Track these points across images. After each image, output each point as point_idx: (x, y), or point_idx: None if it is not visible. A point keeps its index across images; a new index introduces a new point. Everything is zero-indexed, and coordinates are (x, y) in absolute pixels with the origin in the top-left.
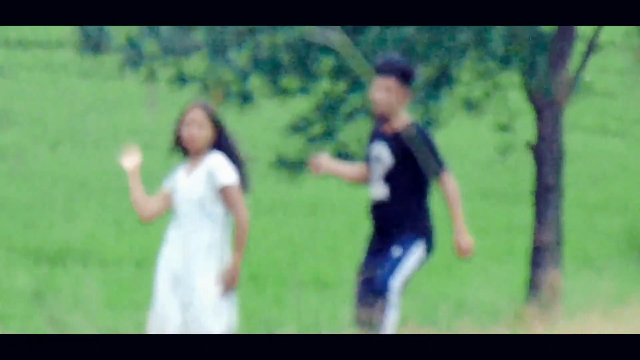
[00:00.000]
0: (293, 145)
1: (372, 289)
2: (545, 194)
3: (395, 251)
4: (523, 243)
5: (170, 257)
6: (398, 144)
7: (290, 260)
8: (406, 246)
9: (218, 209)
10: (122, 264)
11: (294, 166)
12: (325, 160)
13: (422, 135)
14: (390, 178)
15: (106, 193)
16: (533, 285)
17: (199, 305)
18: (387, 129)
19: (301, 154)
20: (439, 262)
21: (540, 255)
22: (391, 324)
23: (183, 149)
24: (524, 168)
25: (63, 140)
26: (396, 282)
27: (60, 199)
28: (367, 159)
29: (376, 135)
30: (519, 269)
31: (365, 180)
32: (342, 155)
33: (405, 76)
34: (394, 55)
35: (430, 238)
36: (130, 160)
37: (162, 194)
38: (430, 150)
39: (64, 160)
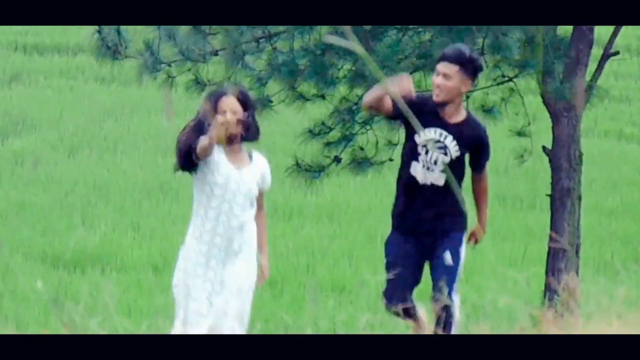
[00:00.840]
0: (311, 151)
1: (437, 297)
2: (562, 198)
3: (448, 258)
4: (540, 248)
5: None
6: (463, 138)
7: (308, 265)
8: (457, 249)
9: (255, 203)
10: (139, 269)
11: (311, 171)
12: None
13: (483, 130)
14: (449, 167)
15: (124, 198)
16: (550, 290)
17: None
18: (449, 117)
19: (318, 159)
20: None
21: (557, 260)
22: (457, 323)
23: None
24: (541, 173)
25: (81, 145)
26: (456, 291)
27: (78, 204)
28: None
29: (435, 119)
30: (536, 274)
31: (374, 104)
32: (359, 160)
33: (466, 66)
34: (463, 46)
35: (466, 226)
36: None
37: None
38: (487, 147)
39: (82, 166)
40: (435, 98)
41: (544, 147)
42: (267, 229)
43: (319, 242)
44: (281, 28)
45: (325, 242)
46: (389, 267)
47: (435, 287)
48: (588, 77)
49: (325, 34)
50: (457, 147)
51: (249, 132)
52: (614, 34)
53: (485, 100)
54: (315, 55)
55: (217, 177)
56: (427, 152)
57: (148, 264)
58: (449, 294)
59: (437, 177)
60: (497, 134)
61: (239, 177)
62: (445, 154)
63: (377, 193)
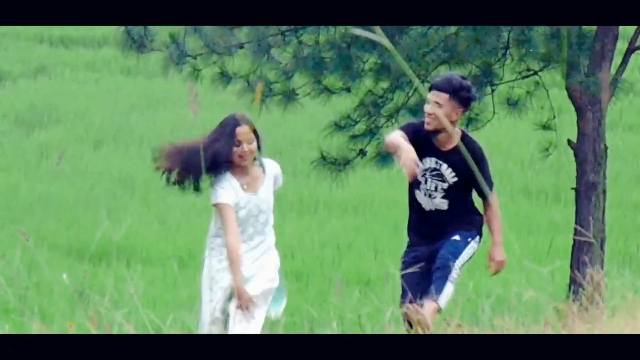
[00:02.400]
0: (336, 144)
1: (439, 263)
2: (587, 192)
3: (456, 237)
4: (565, 241)
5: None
6: (459, 163)
7: (333, 258)
8: (465, 235)
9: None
10: (165, 262)
11: (337, 164)
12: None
13: (478, 151)
14: (449, 192)
15: (149, 191)
16: (575, 284)
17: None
18: (442, 145)
19: (344, 152)
20: (482, 260)
21: (582, 253)
22: (448, 295)
23: (224, 165)
24: (566, 166)
25: (106, 138)
26: (458, 262)
27: (104, 197)
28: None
29: (429, 149)
30: (561, 268)
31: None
32: (384, 154)
33: (457, 93)
34: (454, 75)
35: (482, 235)
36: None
37: (231, 213)
38: (484, 167)
39: (107, 159)
40: (426, 127)
41: (569, 141)
42: (291, 223)
43: (344, 235)
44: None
45: (351, 235)
46: (402, 277)
47: (437, 262)
48: (613, 71)
49: (351, 27)
50: (453, 174)
51: (259, 154)
52: (639, 28)
53: (510, 94)
54: (341, 49)
55: (240, 211)
56: (426, 181)
57: (173, 257)
58: (450, 255)
59: (439, 203)
60: (522, 127)
61: (257, 200)
62: (443, 181)
63: (402, 186)
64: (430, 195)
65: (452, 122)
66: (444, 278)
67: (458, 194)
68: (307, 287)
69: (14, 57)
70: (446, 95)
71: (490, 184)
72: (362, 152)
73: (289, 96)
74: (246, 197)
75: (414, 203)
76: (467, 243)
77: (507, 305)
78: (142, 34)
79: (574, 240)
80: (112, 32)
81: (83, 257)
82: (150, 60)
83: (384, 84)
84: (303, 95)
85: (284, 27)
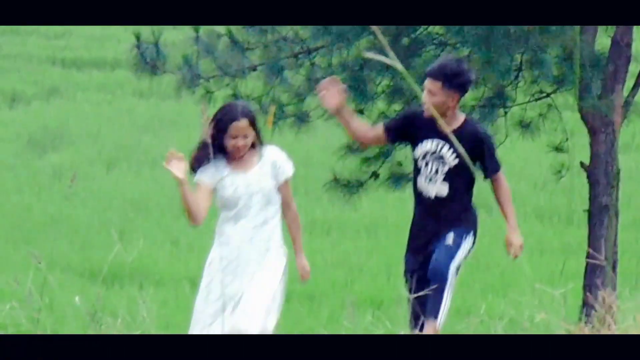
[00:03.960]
0: (349, 166)
1: (432, 273)
2: (600, 214)
3: (449, 239)
4: (577, 263)
5: (231, 253)
6: (460, 142)
7: (346, 280)
8: (460, 235)
9: (278, 200)
10: (177, 283)
11: (349, 186)
12: (340, 91)
13: (481, 133)
14: (450, 176)
15: (162, 213)
16: (587, 306)
17: (253, 298)
18: (442, 127)
19: (357, 174)
20: (495, 282)
21: (595, 275)
22: (445, 309)
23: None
24: (579, 189)
25: (119, 160)
26: (453, 266)
27: (116, 218)
28: (390, 128)
29: (430, 131)
30: (573, 289)
31: (368, 140)
32: (397, 176)
33: (450, 80)
34: (449, 59)
35: (477, 232)
36: (178, 166)
37: (206, 191)
38: (489, 147)
39: (120, 180)
40: (425, 113)
41: (581, 163)
42: (304, 239)
43: (357, 257)
44: (320, 43)
45: (363, 257)
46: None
47: (430, 271)
48: (625, 93)
49: (363, 49)
50: (453, 155)
51: (257, 144)
52: None
53: (523, 116)
54: (354, 71)
55: (225, 190)
56: (427, 164)
57: (186, 279)
58: (445, 260)
59: (439, 188)
60: (535, 150)
61: (246, 180)
62: (444, 163)
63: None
64: (430, 179)
65: (449, 108)
66: (440, 293)
67: (459, 180)
68: (319, 309)
69: (27, 79)
70: (439, 83)
71: (496, 164)
72: (374, 175)
73: (302, 118)
74: (231, 176)
75: (416, 194)
76: (461, 243)
77: (519, 327)
78: (154, 56)
79: (587, 262)
80: (125, 54)
81: (95, 279)
82: (163, 82)
83: (397, 106)
84: (316, 118)
85: (297, 49)
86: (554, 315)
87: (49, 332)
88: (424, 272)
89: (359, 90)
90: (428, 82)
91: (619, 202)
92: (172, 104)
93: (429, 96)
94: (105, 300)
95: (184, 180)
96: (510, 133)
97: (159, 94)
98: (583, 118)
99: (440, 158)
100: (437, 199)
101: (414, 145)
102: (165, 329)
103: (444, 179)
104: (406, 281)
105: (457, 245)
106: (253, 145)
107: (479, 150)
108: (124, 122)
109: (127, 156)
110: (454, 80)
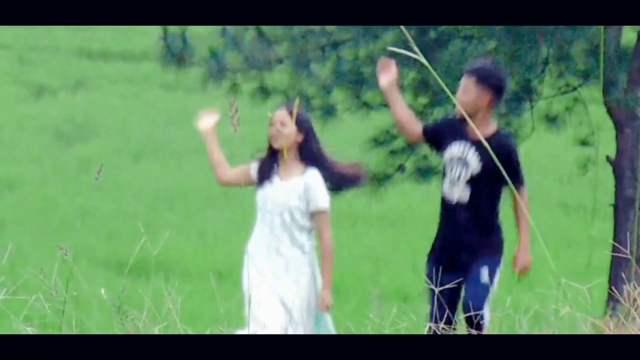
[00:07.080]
0: (375, 159)
1: (469, 320)
2: (625, 208)
3: (484, 276)
4: (603, 257)
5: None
6: (486, 151)
7: (372, 272)
8: (493, 268)
9: (307, 223)
10: (203, 276)
11: (376, 179)
12: (394, 71)
13: (510, 146)
14: (473, 182)
15: (188, 205)
16: (612, 300)
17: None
18: (472, 132)
19: (383, 167)
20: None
21: (620, 269)
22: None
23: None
24: (604, 182)
25: (145, 152)
26: (488, 307)
27: (142, 211)
28: (426, 130)
29: (459, 134)
30: (599, 283)
31: (408, 130)
32: (424, 169)
33: (484, 77)
34: (487, 60)
35: (504, 250)
36: (207, 121)
37: (243, 169)
38: (515, 162)
39: (146, 172)
40: (457, 115)
41: (607, 157)
42: (332, 252)
43: (383, 250)
44: (346, 36)
45: (389, 249)
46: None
47: (467, 302)
48: None
49: (389, 42)
50: (478, 160)
51: (304, 152)
52: None
53: (549, 110)
54: None
55: (258, 191)
56: (452, 169)
57: (212, 271)
58: (480, 306)
59: (461, 193)
60: (561, 143)
61: (279, 188)
62: (467, 169)
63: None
64: (454, 183)
65: (480, 109)
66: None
67: (481, 189)
68: (345, 302)
69: (54, 71)
70: (473, 79)
71: (520, 179)
72: (401, 168)
73: (328, 111)
74: (272, 181)
75: (441, 198)
76: (494, 278)
77: (544, 321)
78: (181, 49)
79: (612, 256)
80: (152, 46)
81: (121, 271)
82: (189, 75)
83: (424, 100)
84: (342, 111)
85: (323, 42)
86: (579, 309)
87: (73, 324)
88: (453, 295)
89: None
90: (463, 79)
91: None
92: (198, 97)
93: (462, 93)
94: (131, 292)
95: (207, 133)
96: (537, 127)
97: (185, 86)
98: (609, 112)
99: (465, 162)
100: (459, 204)
101: (444, 149)
102: (190, 322)
103: (467, 184)
104: (428, 283)
105: (491, 281)
106: (302, 158)
107: (505, 163)
108: (150, 115)
109: (153, 148)
110: (488, 79)
